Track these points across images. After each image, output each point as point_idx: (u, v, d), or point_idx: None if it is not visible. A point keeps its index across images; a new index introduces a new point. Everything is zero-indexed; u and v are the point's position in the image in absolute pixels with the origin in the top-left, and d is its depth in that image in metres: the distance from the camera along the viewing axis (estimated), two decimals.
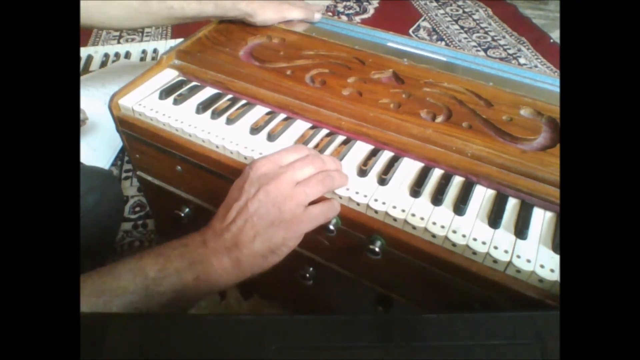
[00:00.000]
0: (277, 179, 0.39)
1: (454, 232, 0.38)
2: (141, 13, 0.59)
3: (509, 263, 0.36)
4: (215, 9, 0.61)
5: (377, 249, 0.40)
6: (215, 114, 0.50)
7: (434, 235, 0.39)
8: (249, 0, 0.62)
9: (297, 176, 0.40)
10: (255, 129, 0.49)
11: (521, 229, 0.38)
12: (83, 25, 0.58)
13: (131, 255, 0.36)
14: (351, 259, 0.47)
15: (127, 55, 1.20)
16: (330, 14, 1.56)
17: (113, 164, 0.91)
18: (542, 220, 0.40)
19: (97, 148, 0.89)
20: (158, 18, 0.61)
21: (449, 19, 1.56)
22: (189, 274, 0.36)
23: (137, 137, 0.54)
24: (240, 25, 0.65)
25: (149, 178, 0.60)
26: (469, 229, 0.39)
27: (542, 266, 0.36)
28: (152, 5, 0.59)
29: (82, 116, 0.80)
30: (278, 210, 0.38)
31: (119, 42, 1.35)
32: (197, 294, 0.36)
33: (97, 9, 0.58)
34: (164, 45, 1.26)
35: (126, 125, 0.54)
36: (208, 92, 0.55)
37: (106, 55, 1.19)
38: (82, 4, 0.56)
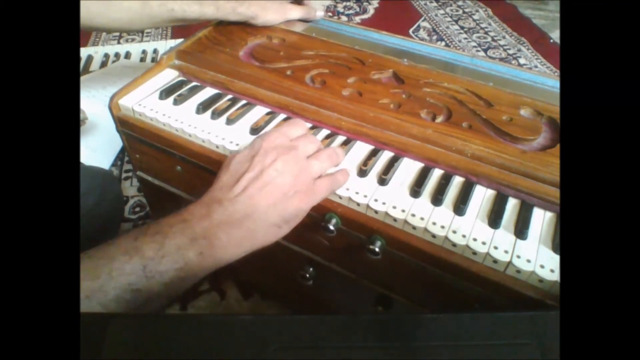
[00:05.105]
0: (293, 151, 0.40)
1: (454, 232, 0.38)
2: (142, 16, 0.60)
3: (509, 263, 0.36)
4: (216, 12, 0.62)
5: (377, 249, 0.40)
6: (216, 114, 0.50)
7: (434, 236, 0.39)
8: (249, 2, 0.62)
9: (307, 151, 0.42)
10: (255, 129, 0.49)
11: (521, 229, 0.38)
12: (84, 27, 0.58)
13: (124, 236, 0.34)
14: (351, 259, 0.47)
15: (127, 55, 1.20)
16: (330, 14, 1.56)
17: (113, 164, 0.91)
18: (542, 220, 0.40)
19: (97, 148, 0.88)
20: (159, 20, 0.61)
21: (449, 19, 1.56)
22: (191, 250, 0.34)
23: (137, 137, 0.54)
24: (241, 26, 0.65)
25: (149, 178, 0.60)
26: (469, 229, 0.39)
27: (542, 266, 0.36)
28: (153, 8, 0.59)
29: (82, 116, 0.80)
30: (293, 181, 0.38)
31: (119, 43, 1.35)
32: (201, 270, 0.35)
33: (99, 11, 0.58)
34: (164, 45, 1.26)
35: (126, 126, 0.54)
36: (208, 92, 0.55)
37: (106, 56, 1.19)
38: (84, 7, 0.56)
